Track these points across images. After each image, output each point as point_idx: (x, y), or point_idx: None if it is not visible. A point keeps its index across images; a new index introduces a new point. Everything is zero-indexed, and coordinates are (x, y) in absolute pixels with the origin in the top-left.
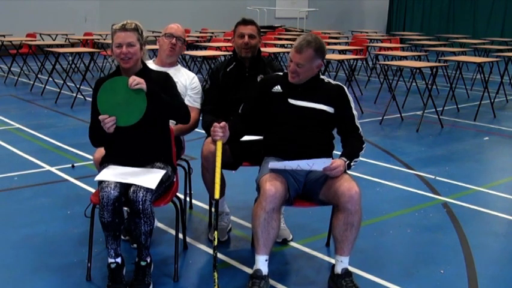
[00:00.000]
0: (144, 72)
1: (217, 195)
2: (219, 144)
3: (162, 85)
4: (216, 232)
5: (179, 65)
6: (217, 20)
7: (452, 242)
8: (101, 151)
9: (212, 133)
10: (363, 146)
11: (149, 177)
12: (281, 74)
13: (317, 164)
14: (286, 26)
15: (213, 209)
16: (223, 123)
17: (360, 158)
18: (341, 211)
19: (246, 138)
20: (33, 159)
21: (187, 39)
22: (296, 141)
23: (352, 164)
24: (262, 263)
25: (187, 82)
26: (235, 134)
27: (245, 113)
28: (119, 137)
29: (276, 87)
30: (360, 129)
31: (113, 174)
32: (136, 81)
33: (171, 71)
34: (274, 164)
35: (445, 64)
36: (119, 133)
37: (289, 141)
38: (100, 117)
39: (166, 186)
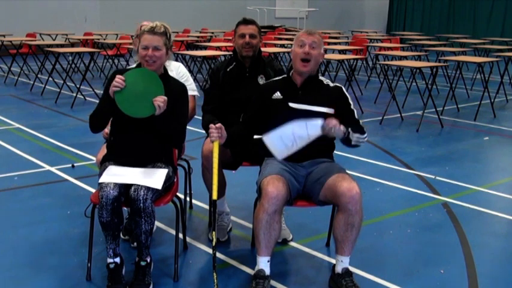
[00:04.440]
0: (164, 78)
1: (215, 196)
2: (216, 145)
3: (178, 97)
4: (214, 232)
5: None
6: (217, 20)
7: (452, 242)
8: (103, 152)
9: (209, 134)
10: (365, 131)
11: (154, 177)
12: (280, 78)
13: (311, 127)
14: (286, 26)
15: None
16: (218, 124)
17: (361, 140)
18: (342, 211)
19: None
20: (33, 159)
21: (187, 39)
22: None
23: (351, 136)
24: (264, 264)
25: (174, 74)
26: (237, 139)
27: (247, 120)
28: (121, 136)
29: (276, 93)
30: (361, 121)
31: (117, 175)
32: (161, 104)
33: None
34: (269, 136)
35: (445, 64)
36: (122, 132)
37: None
38: (119, 75)
39: (166, 186)
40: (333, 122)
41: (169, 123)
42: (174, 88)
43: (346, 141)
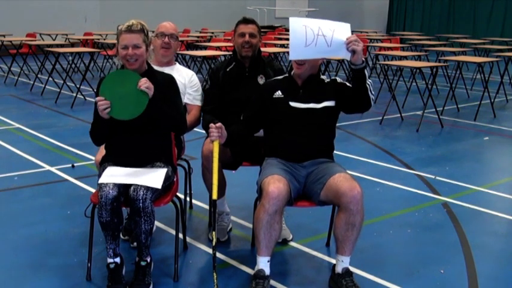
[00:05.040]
0: (149, 73)
1: (215, 196)
2: (216, 145)
3: (166, 88)
4: (214, 233)
5: (177, 64)
6: (217, 20)
7: (452, 242)
8: (102, 152)
9: (209, 134)
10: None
11: (153, 177)
12: (281, 78)
13: (339, 30)
14: (286, 26)
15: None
16: (219, 124)
17: (371, 83)
18: (343, 211)
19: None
20: (33, 159)
21: (187, 39)
22: (297, 142)
23: (367, 73)
24: (264, 264)
25: (186, 80)
26: (237, 139)
27: (247, 119)
28: (120, 137)
29: (277, 92)
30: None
31: (117, 175)
32: (146, 85)
33: (167, 70)
34: (296, 19)
35: (445, 64)
36: (120, 133)
37: (290, 143)
38: (97, 98)
39: (166, 186)
40: (360, 43)
41: (166, 110)
42: (162, 80)
43: (361, 75)
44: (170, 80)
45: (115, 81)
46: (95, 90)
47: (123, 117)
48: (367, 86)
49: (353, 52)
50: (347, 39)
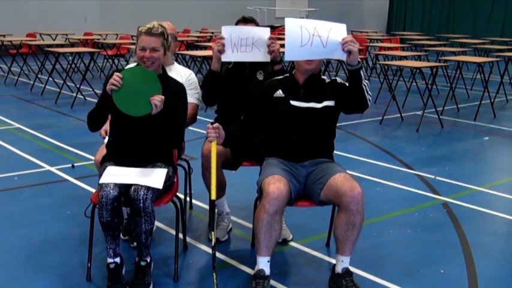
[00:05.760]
0: (163, 78)
1: (213, 196)
2: (214, 145)
3: (176, 97)
4: (213, 233)
5: (175, 63)
6: (217, 20)
7: (453, 242)
8: (102, 152)
9: (207, 134)
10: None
11: (154, 177)
12: (282, 77)
13: (334, 31)
14: None
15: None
16: (216, 124)
17: (368, 84)
18: (343, 211)
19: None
20: (33, 159)
21: (187, 39)
22: (297, 142)
23: (362, 74)
24: (264, 264)
25: (183, 79)
26: (236, 139)
27: (246, 120)
28: (121, 136)
29: (278, 92)
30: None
31: (117, 176)
32: (158, 103)
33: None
34: (292, 20)
35: (445, 64)
36: (121, 133)
37: (290, 143)
38: (117, 73)
39: (166, 186)
40: (356, 44)
41: (167, 123)
42: (173, 88)
43: (357, 76)
44: (180, 90)
45: (141, 74)
46: (106, 78)
47: (118, 105)
48: (363, 86)
49: (349, 53)
50: (343, 39)
